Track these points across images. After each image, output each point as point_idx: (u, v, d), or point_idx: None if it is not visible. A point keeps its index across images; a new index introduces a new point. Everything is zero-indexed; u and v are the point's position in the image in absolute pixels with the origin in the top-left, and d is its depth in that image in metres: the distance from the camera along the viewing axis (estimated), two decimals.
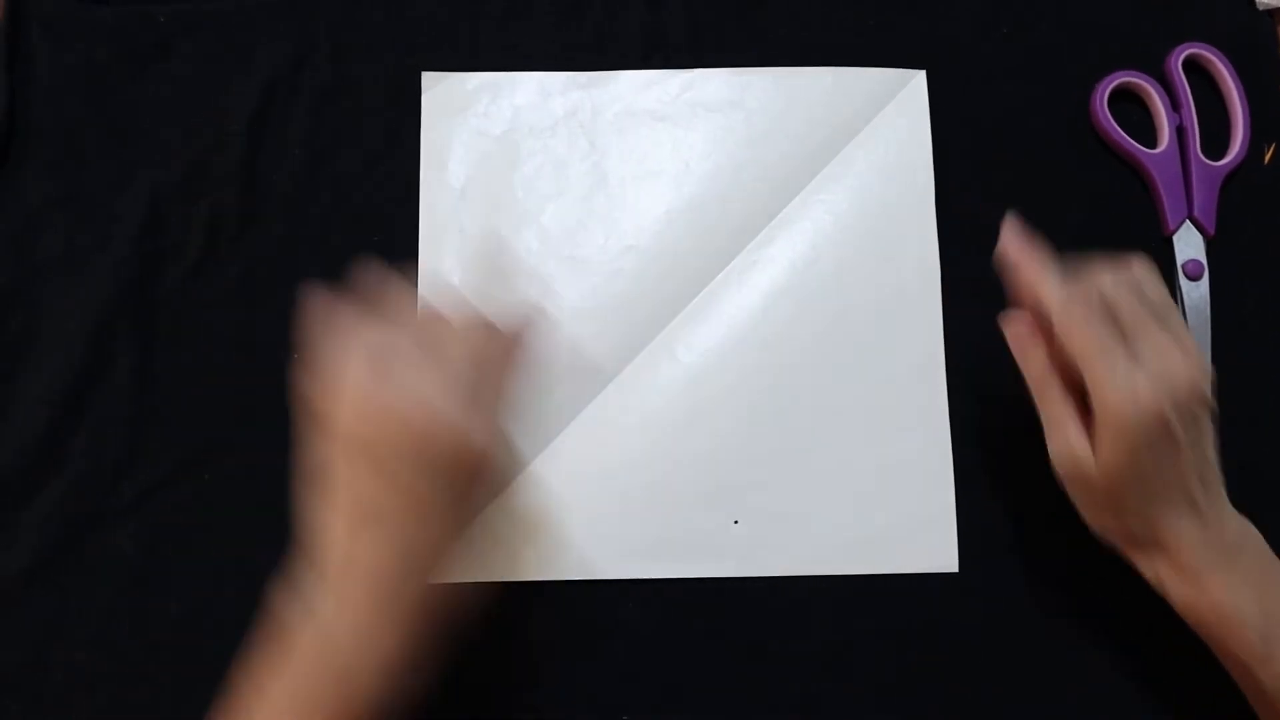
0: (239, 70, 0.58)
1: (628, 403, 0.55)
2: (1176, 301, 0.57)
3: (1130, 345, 0.43)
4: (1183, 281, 0.57)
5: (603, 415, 0.55)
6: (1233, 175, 0.58)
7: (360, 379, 0.40)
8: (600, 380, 0.55)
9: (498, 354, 0.44)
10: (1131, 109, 0.60)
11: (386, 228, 0.57)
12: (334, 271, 0.56)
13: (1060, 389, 0.45)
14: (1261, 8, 0.61)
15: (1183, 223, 0.58)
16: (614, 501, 0.54)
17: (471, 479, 0.42)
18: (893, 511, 0.54)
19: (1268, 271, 0.58)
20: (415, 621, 0.41)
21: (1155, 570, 0.45)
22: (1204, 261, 0.57)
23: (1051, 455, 0.46)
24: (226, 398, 0.55)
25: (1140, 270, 0.46)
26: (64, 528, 0.53)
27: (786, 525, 0.54)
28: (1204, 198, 0.57)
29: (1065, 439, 0.45)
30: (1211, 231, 0.57)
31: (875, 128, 0.59)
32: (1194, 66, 0.60)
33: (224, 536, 0.53)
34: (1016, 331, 0.47)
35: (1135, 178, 0.59)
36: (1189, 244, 0.57)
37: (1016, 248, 0.47)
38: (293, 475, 0.54)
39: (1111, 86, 0.59)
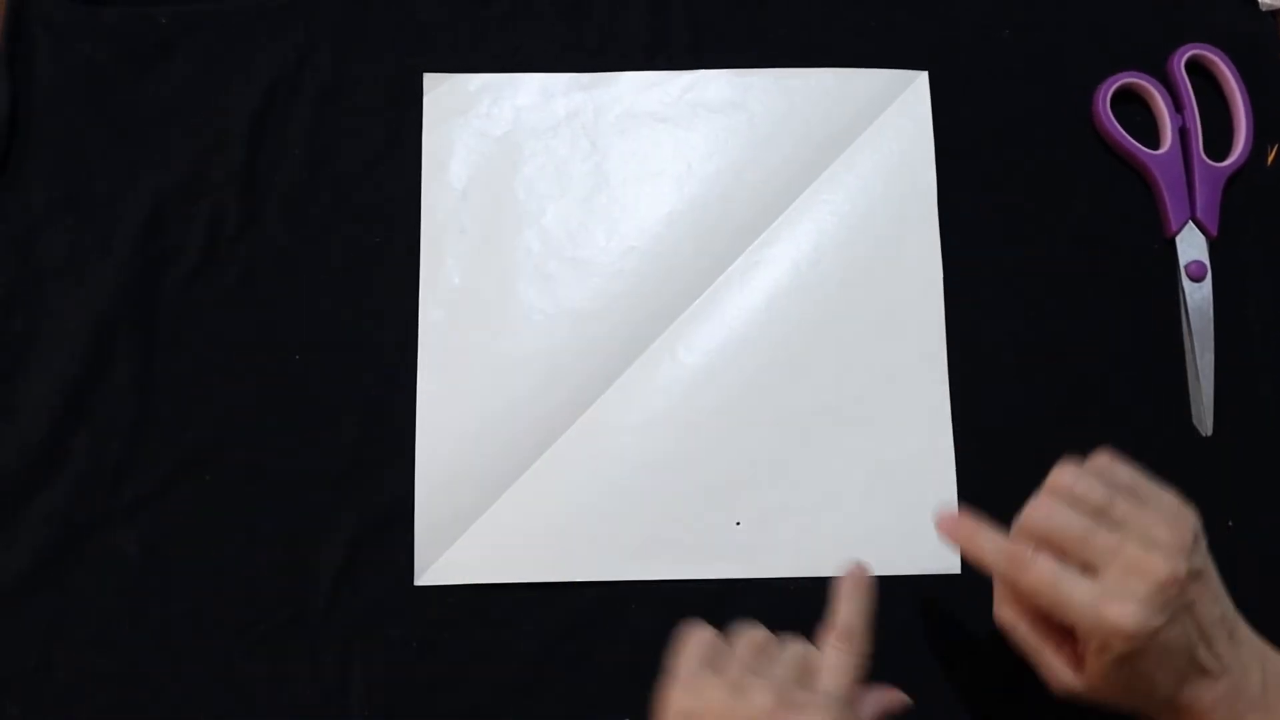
0: (240, 71, 0.59)
1: (630, 404, 0.55)
2: (1179, 303, 0.57)
3: (1087, 562, 0.42)
4: (1185, 283, 0.57)
5: (605, 416, 0.55)
6: (1235, 176, 0.58)
7: (699, 682, 0.43)
8: (602, 381, 0.55)
9: (819, 668, 0.44)
10: (1134, 110, 0.60)
11: (387, 229, 0.57)
12: (335, 273, 0.56)
13: (1027, 629, 0.45)
14: (1264, 8, 0.61)
15: (1185, 224, 0.57)
16: (615, 503, 0.54)
17: None
18: (895, 512, 0.54)
19: (1271, 272, 0.58)
20: None
21: None
22: (1207, 263, 0.57)
23: (1045, 682, 0.45)
24: (227, 399, 0.55)
25: (1068, 475, 0.44)
26: (65, 529, 0.53)
27: (789, 526, 0.54)
28: (1207, 199, 0.57)
29: (1048, 673, 0.44)
30: (1214, 232, 0.57)
31: (877, 129, 0.58)
32: (1196, 67, 0.60)
33: (224, 538, 0.53)
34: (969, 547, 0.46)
35: (1138, 179, 0.59)
36: (1192, 245, 0.57)
37: (950, 529, 0.47)
38: (293, 477, 0.54)
39: (1114, 87, 0.59)
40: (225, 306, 0.56)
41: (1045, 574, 0.42)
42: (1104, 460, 0.46)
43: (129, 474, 0.53)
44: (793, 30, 0.60)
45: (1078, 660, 0.44)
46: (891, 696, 0.47)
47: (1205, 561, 0.44)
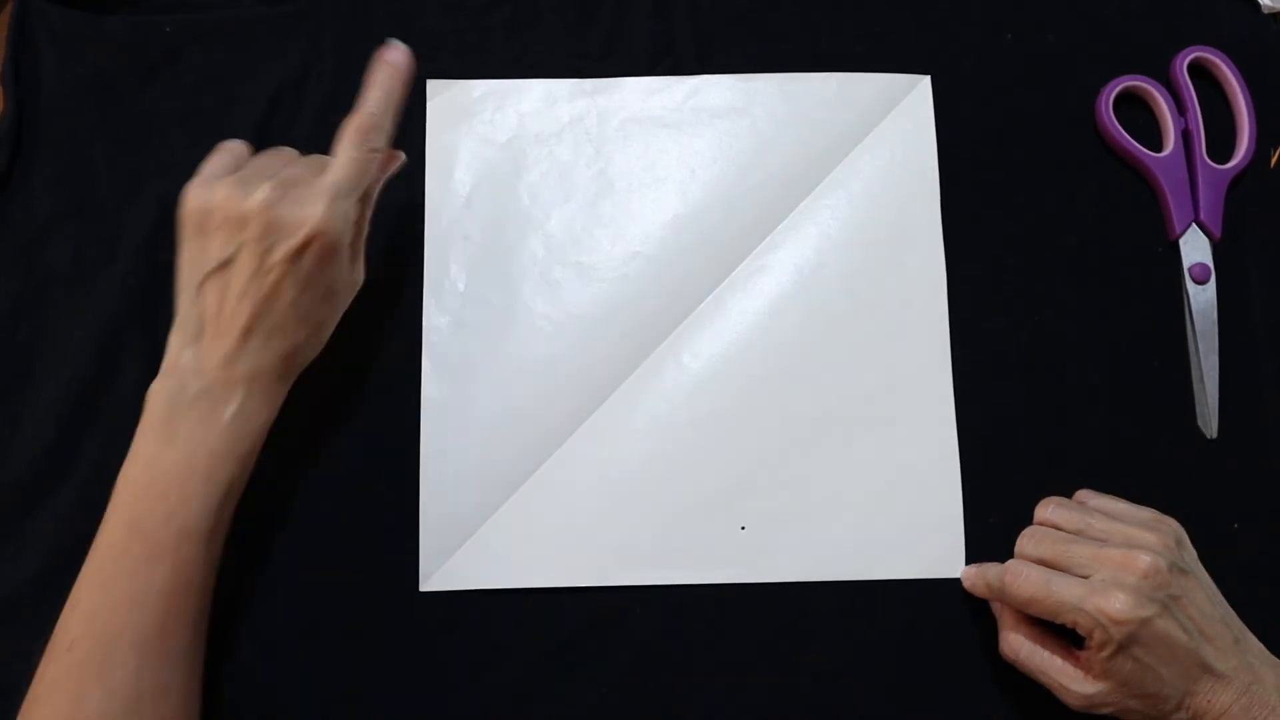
0: (244, 79, 0.59)
1: (634, 409, 0.55)
2: (1183, 306, 0.57)
3: (1076, 568, 0.46)
4: (1189, 285, 0.57)
5: (609, 421, 0.55)
6: (1239, 178, 0.58)
7: (210, 174, 0.49)
8: (607, 386, 0.55)
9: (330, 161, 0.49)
10: (1137, 113, 0.60)
11: (392, 235, 0.57)
12: None
13: (1031, 649, 0.48)
14: (1267, 11, 0.61)
15: (1189, 226, 0.57)
16: (620, 508, 0.54)
17: (305, 252, 0.47)
18: (900, 517, 0.54)
19: (1275, 274, 0.58)
20: (259, 350, 0.48)
21: None
22: (1210, 265, 0.57)
23: (1063, 699, 0.47)
24: None
25: (1049, 507, 0.51)
26: (72, 536, 0.53)
27: (793, 531, 0.54)
28: (1210, 201, 0.57)
29: (1061, 685, 0.47)
30: (1218, 235, 0.57)
31: (881, 133, 0.59)
32: (1199, 70, 0.60)
33: (229, 544, 0.53)
34: (984, 589, 0.51)
35: (1141, 182, 0.59)
36: (1195, 247, 0.57)
37: (967, 579, 0.52)
38: (298, 483, 0.54)
39: (1117, 90, 0.59)
40: None
41: (1038, 580, 0.46)
42: (1083, 493, 0.52)
43: None
44: (796, 35, 0.60)
45: (1084, 667, 0.46)
46: (392, 157, 0.52)
47: (1194, 565, 0.47)
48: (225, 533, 0.49)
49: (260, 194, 0.46)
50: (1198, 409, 0.56)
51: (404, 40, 0.59)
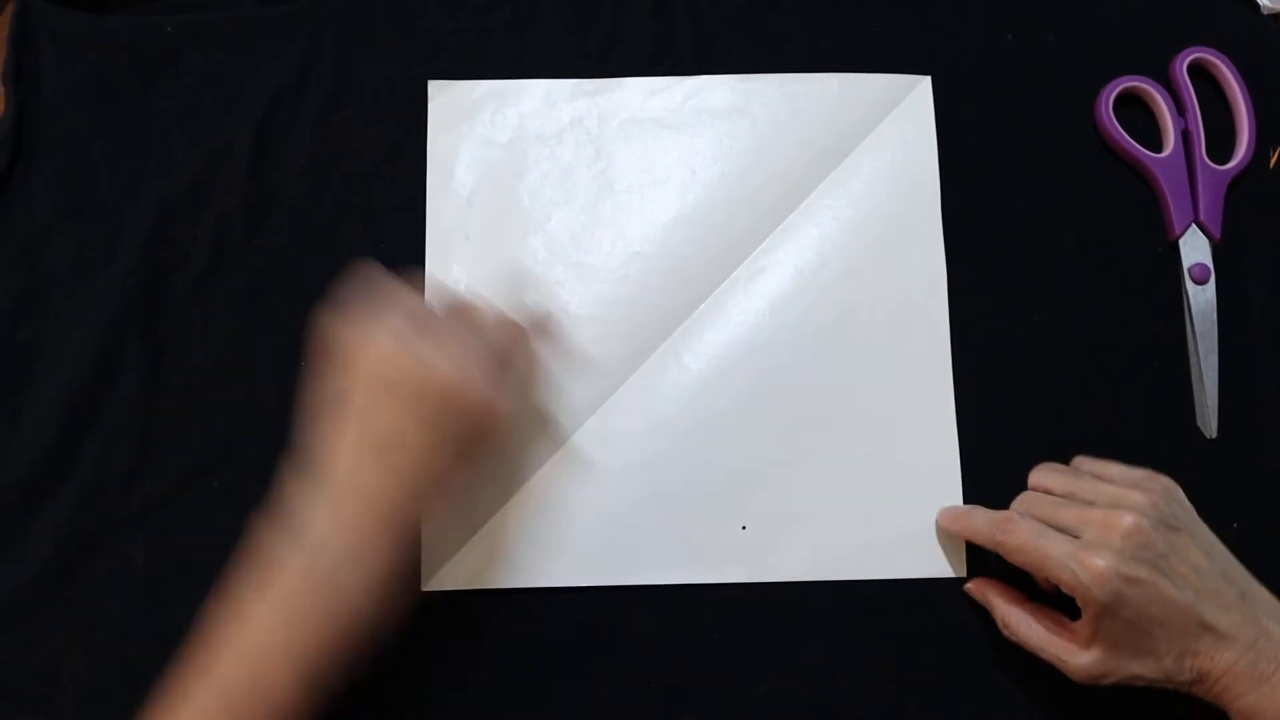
0: (245, 79, 0.59)
1: (635, 409, 0.55)
2: (1183, 306, 0.57)
3: (1065, 529, 0.46)
4: (1189, 286, 0.57)
5: (610, 421, 0.55)
6: (1238, 179, 0.58)
7: (398, 328, 0.45)
8: (607, 386, 0.55)
9: (516, 341, 0.51)
10: (1137, 114, 0.60)
11: (393, 236, 0.57)
12: (341, 280, 0.56)
13: (1029, 626, 0.49)
14: (1266, 12, 0.61)
15: (1189, 227, 0.58)
16: (622, 508, 0.54)
17: (479, 435, 0.46)
18: (901, 517, 0.54)
19: (1274, 274, 0.58)
20: (405, 546, 0.45)
21: (1213, 695, 0.45)
22: (1210, 265, 0.57)
23: (1066, 673, 0.47)
24: (234, 406, 0.55)
25: (1041, 471, 0.51)
26: (74, 538, 0.53)
27: (795, 531, 0.54)
28: (1210, 201, 0.57)
29: (1061, 659, 0.47)
30: (1218, 235, 0.57)
31: (881, 134, 0.59)
32: (1199, 71, 0.60)
33: (232, 545, 0.53)
34: (977, 590, 0.52)
35: (1141, 182, 0.59)
36: (1195, 248, 0.57)
37: (946, 519, 0.53)
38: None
39: (1116, 91, 0.59)
40: (231, 314, 0.56)
41: (1028, 532, 0.47)
42: (1079, 459, 0.52)
43: (136, 482, 0.54)
44: (796, 35, 0.60)
45: (1078, 636, 0.46)
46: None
47: (1186, 520, 0.47)
48: None
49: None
50: (1198, 409, 0.56)
51: (403, 40, 0.60)
